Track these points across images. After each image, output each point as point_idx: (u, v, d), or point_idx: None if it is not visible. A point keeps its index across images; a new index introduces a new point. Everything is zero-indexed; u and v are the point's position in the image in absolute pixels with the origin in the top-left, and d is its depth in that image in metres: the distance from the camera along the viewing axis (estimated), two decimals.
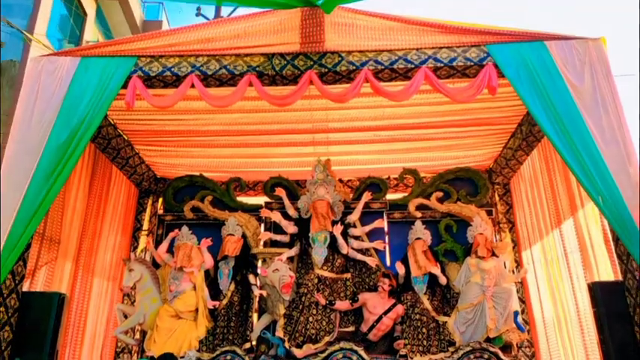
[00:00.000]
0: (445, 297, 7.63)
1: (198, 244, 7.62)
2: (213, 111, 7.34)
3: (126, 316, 7.44)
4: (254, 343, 7.51)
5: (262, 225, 8.46)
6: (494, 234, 8.22)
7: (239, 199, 8.84)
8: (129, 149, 8.27)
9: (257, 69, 6.21)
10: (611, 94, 5.72)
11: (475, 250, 7.39)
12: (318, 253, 7.49)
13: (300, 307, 7.13)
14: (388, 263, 8.06)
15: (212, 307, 7.32)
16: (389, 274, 7.48)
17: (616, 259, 5.82)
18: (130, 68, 6.20)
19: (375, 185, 8.54)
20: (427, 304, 7.37)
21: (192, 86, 6.15)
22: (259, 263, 7.99)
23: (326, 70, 6.17)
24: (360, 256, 7.71)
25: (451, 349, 6.94)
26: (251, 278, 7.65)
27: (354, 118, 7.76)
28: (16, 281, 5.73)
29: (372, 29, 6.23)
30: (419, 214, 8.14)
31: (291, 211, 8.12)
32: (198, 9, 17.28)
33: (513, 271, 8.06)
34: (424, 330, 7.21)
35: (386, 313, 7.20)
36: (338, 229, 7.56)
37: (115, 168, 8.37)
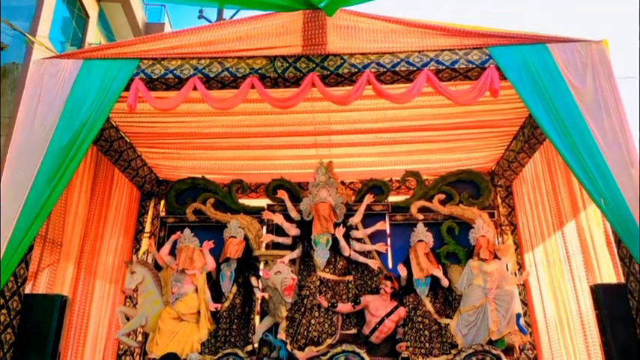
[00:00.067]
0: (447, 299, 7.63)
1: (201, 246, 7.61)
2: (215, 113, 7.34)
3: (128, 319, 7.45)
4: (256, 345, 7.48)
5: (264, 227, 8.45)
6: (497, 236, 8.21)
7: (241, 201, 8.83)
8: (131, 151, 8.27)
9: (259, 71, 6.21)
10: (613, 97, 5.72)
11: (477, 252, 7.39)
12: (320, 256, 7.49)
13: (302, 309, 7.12)
14: (390, 265, 8.04)
15: (214, 310, 7.33)
16: (391, 277, 7.47)
17: (618, 262, 5.82)
18: (133, 71, 6.20)
19: (377, 187, 8.52)
20: (429, 306, 7.36)
21: (195, 89, 6.16)
22: (261, 265, 8.00)
23: (328, 72, 6.17)
24: (362, 259, 7.71)
25: (453, 351, 6.95)
26: (253, 280, 7.66)
27: (356, 121, 7.76)
28: (19, 283, 5.74)
29: (374, 32, 6.23)
30: (421, 217, 8.14)
31: (294, 214, 8.12)
32: (201, 11, 17.28)
33: (515, 274, 8.05)
34: (426, 332, 7.20)
35: (388, 315, 7.19)
36: (340, 232, 7.56)
37: (117, 170, 8.38)
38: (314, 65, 6.19)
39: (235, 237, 7.85)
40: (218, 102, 6.29)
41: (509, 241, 8.59)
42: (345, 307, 7.28)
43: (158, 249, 7.97)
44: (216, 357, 6.87)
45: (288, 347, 6.90)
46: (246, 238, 7.99)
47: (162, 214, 9.08)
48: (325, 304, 7.11)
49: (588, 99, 5.72)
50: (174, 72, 6.24)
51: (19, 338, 5.64)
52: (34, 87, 6.15)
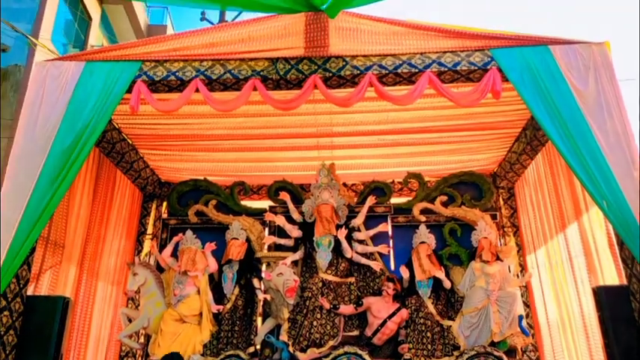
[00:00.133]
0: (449, 301, 7.62)
1: (203, 248, 7.61)
2: (217, 115, 7.35)
3: (130, 320, 7.44)
4: (258, 347, 7.49)
5: (266, 229, 8.46)
6: (499, 238, 8.21)
7: (243, 203, 8.83)
8: (133, 153, 8.28)
9: (261, 73, 6.21)
10: (616, 99, 5.72)
11: (479, 254, 7.39)
12: (323, 257, 7.49)
13: (305, 311, 7.12)
14: (392, 267, 8.04)
15: (216, 311, 7.32)
16: (393, 278, 7.48)
17: (620, 263, 5.81)
18: (135, 73, 6.21)
19: (380, 189, 8.53)
20: (431, 308, 7.36)
21: (197, 90, 6.16)
22: (263, 267, 8.01)
23: (330, 74, 6.17)
24: (364, 260, 7.71)
25: (455, 353, 6.93)
26: (255, 282, 7.65)
27: (358, 123, 7.76)
28: (21, 285, 5.74)
29: (376, 34, 6.23)
30: (423, 218, 8.14)
31: (296, 215, 8.12)
32: (203, 13, 17.28)
33: (518, 275, 8.06)
34: (428, 334, 7.19)
35: (390, 317, 7.19)
36: (342, 233, 7.56)
37: (120, 172, 8.38)
38: (316, 67, 6.19)
39: (237, 239, 7.86)
40: (220, 104, 6.30)
41: (512, 242, 8.58)
42: (347, 308, 7.28)
43: (160, 251, 7.97)
44: (219, 359, 6.87)
45: (290, 349, 6.90)
46: (248, 240, 7.99)
47: (165, 215, 9.10)
48: (327, 305, 7.11)
49: (590, 101, 5.72)
50: (177, 74, 6.25)
51: (22, 340, 5.63)
52: (37, 89, 6.15)
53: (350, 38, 6.22)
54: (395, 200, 8.71)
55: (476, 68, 6.06)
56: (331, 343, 7.00)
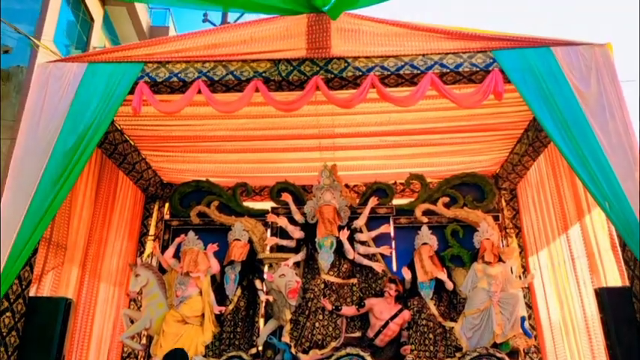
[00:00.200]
0: (452, 302, 7.61)
1: (205, 249, 7.61)
2: (219, 116, 7.35)
3: (132, 321, 7.44)
4: (260, 348, 7.49)
5: (268, 230, 8.45)
6: (501, 239, 8.20)
7: (245, 204, 8.83)
8: (135, 155, 8.29)
9: (263, 75, 6.21)
10: (618, 100, 5.71)
11: (482, 255, 7.38)
12: (325, 259, 7.48)
13: (307, 312, 7.12)
14: (394, 268, 8.05)
15: (218, 313, 7.32)
16: (395, 280, 7.47)
17: (623, 265, 5.81)
18: (137, 74, 6.21)
19: (382, 190, 8.52)
20: (434, 309, 7.35)
21: (199, 92, 6.16)
22: (266, 268, 8.02)
23: (332, 75, 6.17)
24: (366, 262, 7.71)
25: (458, 354, 6.94)
26: (257, 283, 7.67)
27: (360, 124, 7.76)
28: (23, 286, 5.74)
29: (378, 35, 6.24)
30: (425, 220, 8.14)
31: (298, 217, 8.12)
32: (205, 15, 17.28)
33: (520, 277, 8.05)
34: (431, 335, 7.19)
35: (392, 318, 7.18)
36: (344, 235, 7.55)
37: (122, 173, 8.39)
38: (318, 68, 6.19)
39: (239, 240, 7.85)
40: (222, 105, 6.30)
41: (514, 244, 8.55)
42: (349, 310, 7.27)
43: (162, 252, 7.97)
44: None
45: (293, 350, 6.90)
46: (250, 241, 7.99)
47: (167, 216, 9.10)
48: (329, 307, 7.10)
49: (592, 102, 5.71)
50: (179, 75, 6.25)
51: (24, 341, 5.64)
52: (39, 90, 6.15)
53: (352, 39, 6.22)
54: (397, 201, 8.71)
55: (478, 69, 6.05)
56: (333, 344, 6.99)
